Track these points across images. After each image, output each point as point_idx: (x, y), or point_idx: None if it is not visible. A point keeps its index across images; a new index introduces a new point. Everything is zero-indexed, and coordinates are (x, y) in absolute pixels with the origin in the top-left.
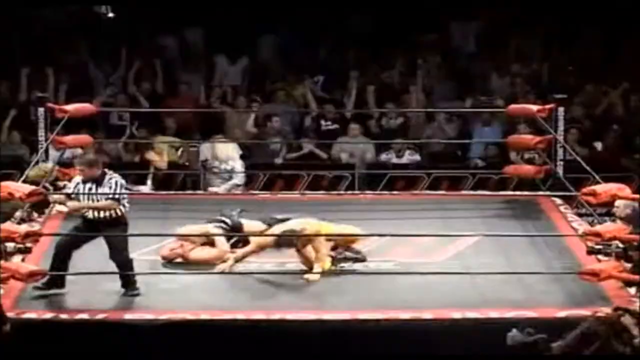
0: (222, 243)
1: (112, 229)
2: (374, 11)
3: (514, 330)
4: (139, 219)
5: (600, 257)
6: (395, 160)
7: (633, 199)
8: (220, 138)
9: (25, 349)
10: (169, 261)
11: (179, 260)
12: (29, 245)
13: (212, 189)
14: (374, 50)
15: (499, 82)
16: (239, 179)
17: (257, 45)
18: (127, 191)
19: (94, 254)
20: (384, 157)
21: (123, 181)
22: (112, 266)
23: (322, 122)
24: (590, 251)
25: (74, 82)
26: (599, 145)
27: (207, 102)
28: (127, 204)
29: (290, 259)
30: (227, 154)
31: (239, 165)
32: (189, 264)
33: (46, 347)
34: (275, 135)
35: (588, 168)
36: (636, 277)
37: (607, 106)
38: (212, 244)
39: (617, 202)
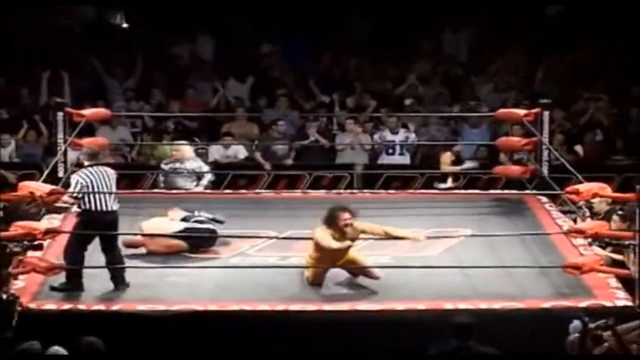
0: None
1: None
2: (373, 21)
3: (575, 322)
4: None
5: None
6: (390, 137)
7: (612, 197)
8: (229, 140)
9: (44, 338)
10: (128, 246)
11: (141, 249)
12: (38, 242)
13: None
14: (372, 58)
15: (488, 88)
16: (210, 177)
17: (263, 54)
18: (88, 189)
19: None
20: (377, 136)
21: (83, 180)
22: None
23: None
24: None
25: (90, 89)
26: (579, 149)
27: (216, 107)
28: (96, 202)
29: (293, 254)
30: (191, 154)
31: (201, 164)
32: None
33: (64, 337)
34: (280, 138)
35: (571, 168)
36: (616, 270)
37: (591, 114)
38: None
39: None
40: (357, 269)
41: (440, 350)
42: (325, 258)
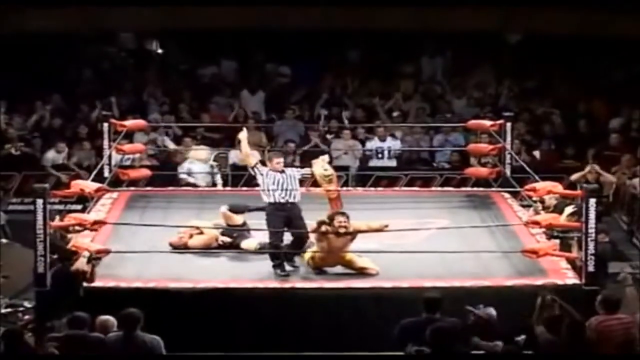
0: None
1: None
2: (365, 49)
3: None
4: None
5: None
6: (379, 144)
7: (563, 194)
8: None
9: (93, 311)
10: (175, 247)
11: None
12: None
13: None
14: (364, 78)
15: (461, 103)
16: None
17: (276, 74)
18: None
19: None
20: (369, 144)
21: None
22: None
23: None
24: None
25: (132, 104)
26: (537, 154)
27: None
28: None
29: None
30: (205, 157)
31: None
32: (187, 249)
33: (109, 309)
34: (291, 154)
35: (529, 170)
36: (566, 254)
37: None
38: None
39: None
40: (354, 269)
41: (410, 322)
42: (325, 250)
